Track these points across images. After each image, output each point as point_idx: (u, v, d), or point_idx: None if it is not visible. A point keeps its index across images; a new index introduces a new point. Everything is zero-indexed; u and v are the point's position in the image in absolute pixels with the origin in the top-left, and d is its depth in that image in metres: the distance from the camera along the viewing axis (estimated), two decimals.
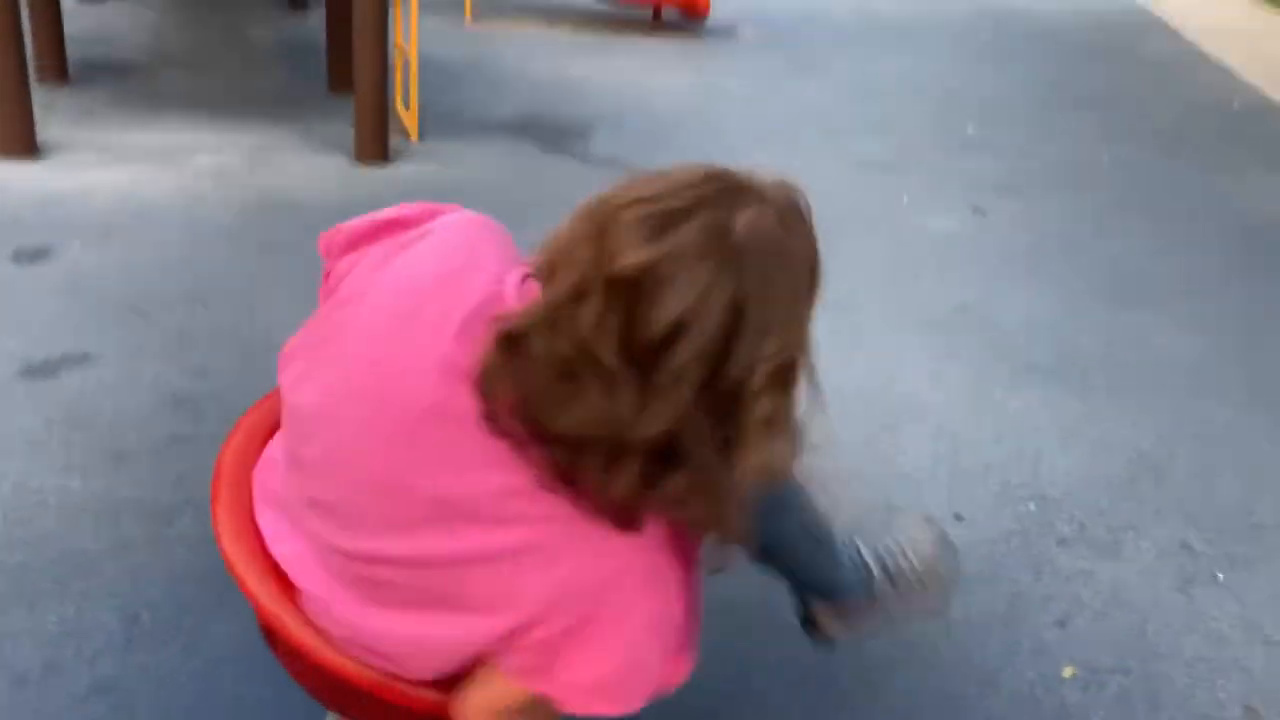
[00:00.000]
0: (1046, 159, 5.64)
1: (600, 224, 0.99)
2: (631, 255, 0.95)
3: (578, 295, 0.96)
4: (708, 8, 8.10)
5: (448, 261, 1.12)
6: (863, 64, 7.83)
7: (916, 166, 5.29)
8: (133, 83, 5.29)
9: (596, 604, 1.04)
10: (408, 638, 1.13)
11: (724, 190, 1.01)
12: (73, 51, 5.39)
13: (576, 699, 1.07)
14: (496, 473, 1.02)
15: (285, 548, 1.24)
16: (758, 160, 4.47)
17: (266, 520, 1.27)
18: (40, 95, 4.82)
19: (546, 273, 1.02)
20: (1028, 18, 10.64)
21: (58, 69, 5.17)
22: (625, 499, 1.00)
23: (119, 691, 1.80)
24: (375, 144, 4.46)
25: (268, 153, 4.36)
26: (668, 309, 0.94)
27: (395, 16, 5.26)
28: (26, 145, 4.15)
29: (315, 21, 6.47)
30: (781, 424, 1.01)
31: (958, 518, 2.51)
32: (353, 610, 1.15)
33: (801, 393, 1.06)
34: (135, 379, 2.70)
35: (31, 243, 3.40)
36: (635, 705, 1.09)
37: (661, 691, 1.11)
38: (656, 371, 0.95)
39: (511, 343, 0.99)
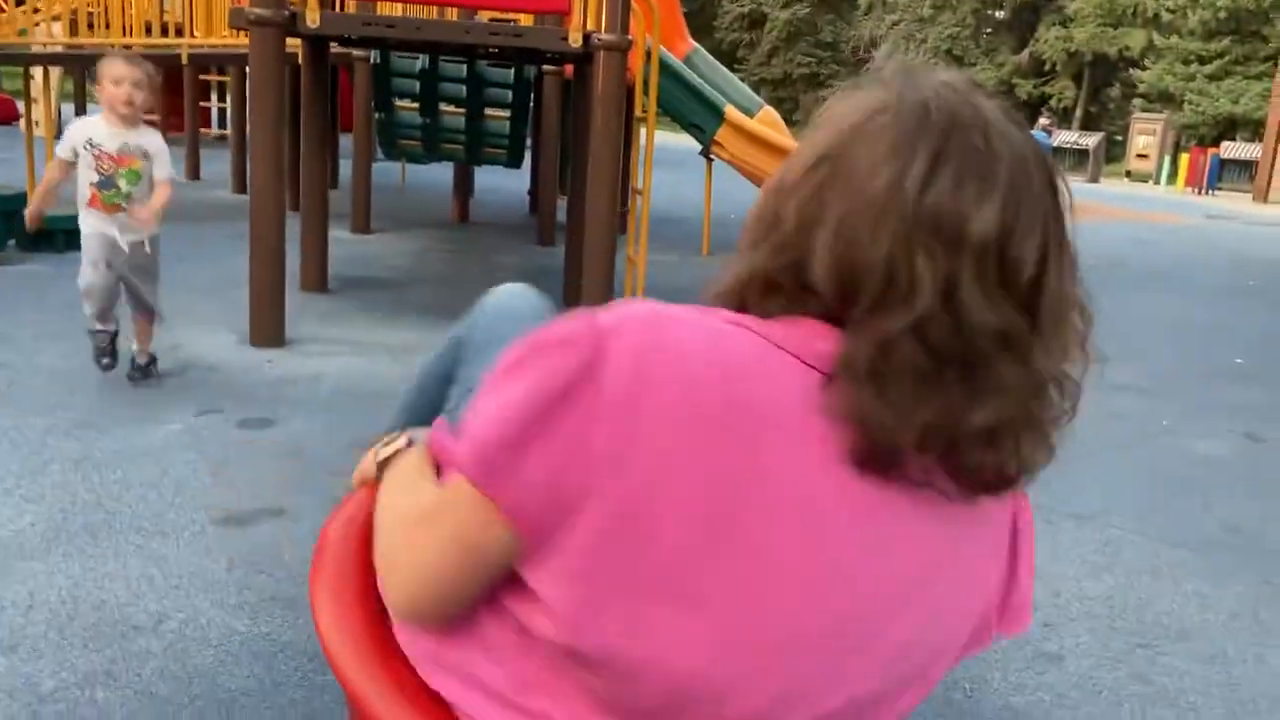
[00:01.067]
0: None
1: None
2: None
3: None
4: None
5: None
6: (1109, 302, 7.45)
7: (1177, 394, 4.83)
8: (382, 294, 5.63)
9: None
10: None
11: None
12: (338, 269, 5.83)
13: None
14: None
15: None
16: None
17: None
18: (299, 300, 5.20)
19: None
20: None
21: (319, 281, 5.58)
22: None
23: None
24: None
25: None
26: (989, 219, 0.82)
27: (629, 246, 5.43)
28: (276, 337, 4.41)
29: (561, 253, 6.80)
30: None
31: None
32: None
33: None
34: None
35: (258, 414, 3.51)
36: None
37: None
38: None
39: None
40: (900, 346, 0.79)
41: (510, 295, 1.50)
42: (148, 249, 3.67)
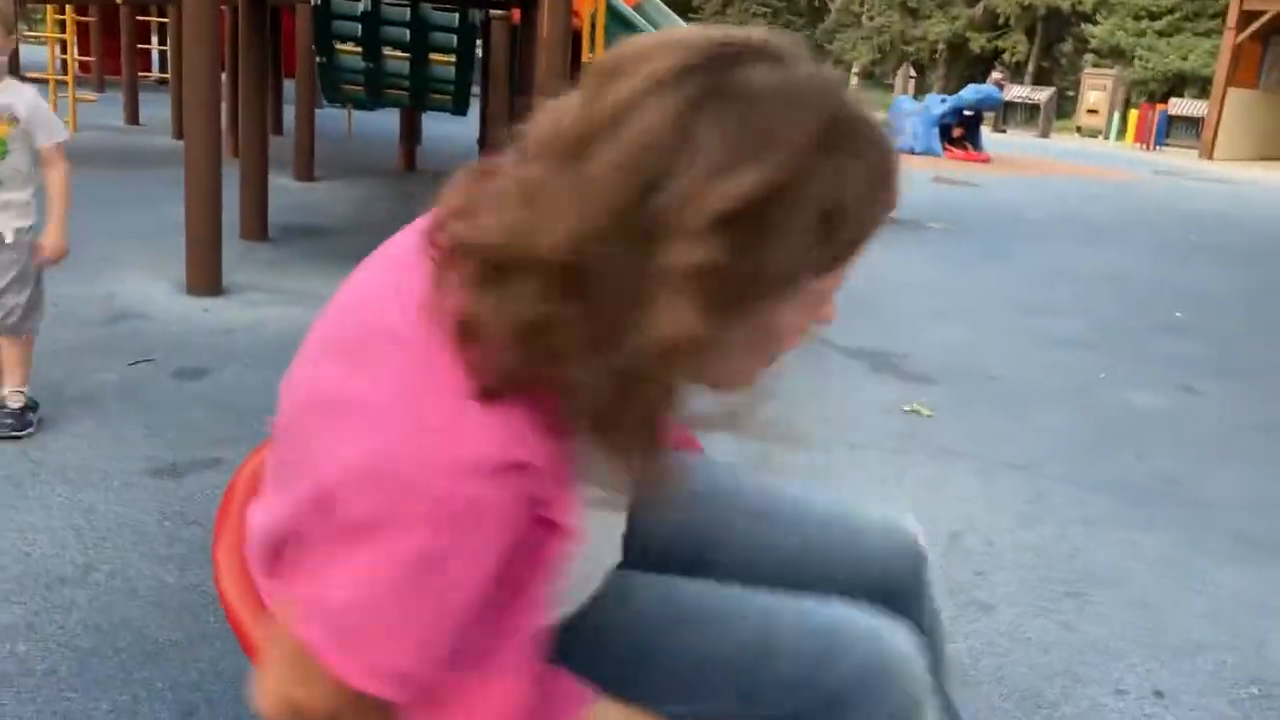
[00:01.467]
0: (1265, 346, 5.15)
1: None
2: (622, 45, 0.79)
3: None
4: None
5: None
6: (1057, 255, 7.55)
7: (1117, 346, 4.89)
8: (324, 243, 5.55)
9: (388, 498, 0.78)
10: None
11: (770, 49, 0.79)
12: (279, 217, 5.72)
13: (306, 614, 0.82)
14: (406, 285, 0.84)
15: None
16: (939, 330, 4.25)
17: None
18: (239, 248, 5.11)
19: None
20: (1241, 223, 10.15)
21: (259, 230, 5.48)
22: (513, 334, 0.76)
23: None
24: None
25: None
26: (611, 97, 0.75)
27: None
28: (213, 285, 4.33)
29: None
30: (710, 289, 0.74)
31: (1158, 694, 2.07)
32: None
33: (782, 313, 0.82)
34: None
35: (193, 364, 3.45)
36: (345, 666, 0.81)
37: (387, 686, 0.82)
38: (580, 172, 0.74)
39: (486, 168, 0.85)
40: None
41: None
42: (9, 240, 2.74)
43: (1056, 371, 4.35)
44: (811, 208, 0.76)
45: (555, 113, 0.79)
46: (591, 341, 0.76)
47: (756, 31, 0.80)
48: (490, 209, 0.79)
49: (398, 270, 0.88)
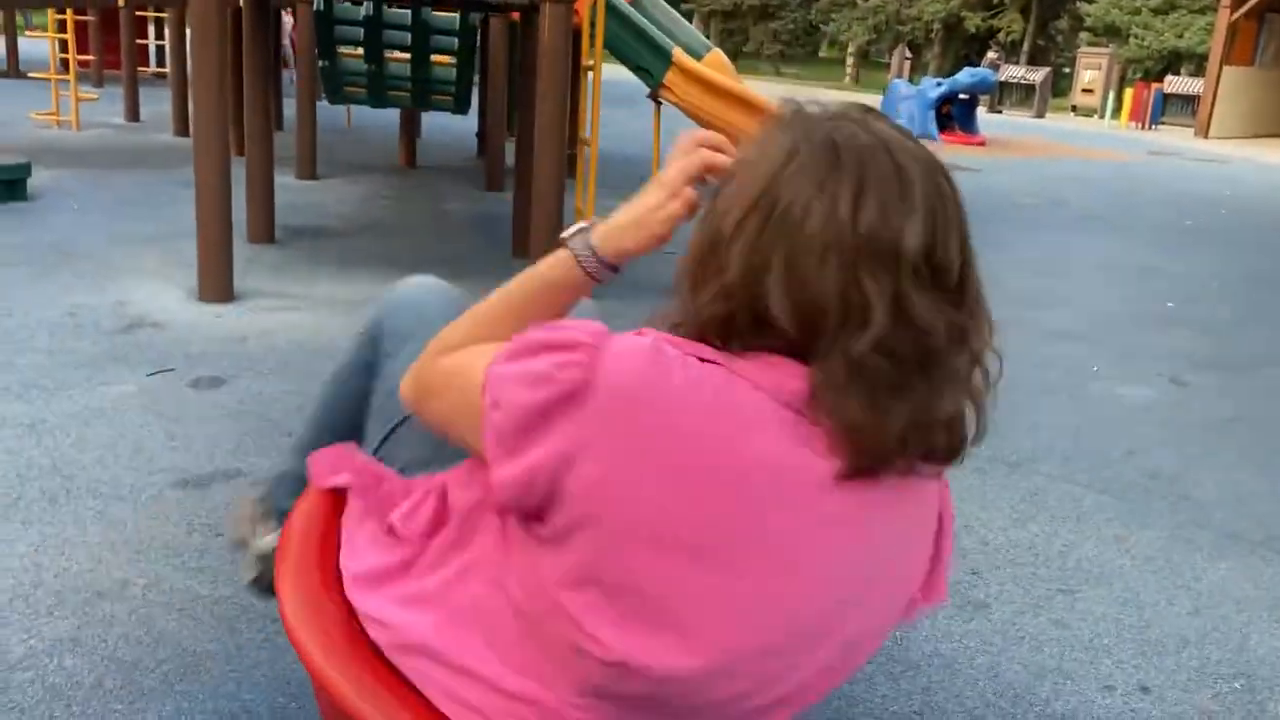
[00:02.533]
0: (1255, 337, 5.25)
1: None
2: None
3: None
4: None
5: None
6: (1051, 243, 7.63)
7: (1109, 338, 4.99)
8: (330, 245, 5.63)
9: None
10: None
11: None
12: (284, 218, 5.81)
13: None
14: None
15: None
16: None
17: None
18: (246, 251, 5.19)
19: None
20: (1235, 205, 10.22)
21: (265, 232, 5.56)
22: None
23: None
24: None
25: None
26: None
27: (576, 197, 5.47)
28: (224, 292, 4.42)
29: (509, 199, 6.81)
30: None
31: (1144, 690, 2.18)
32: None
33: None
34: None
35: (210, 373, 3.55)
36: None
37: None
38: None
39: None
40: (868, 363, 0.88)
41: (423, 290, 1.54)
42: None
43: (1050, 365, 4.45)
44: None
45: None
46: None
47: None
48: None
49: None
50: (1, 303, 4.15)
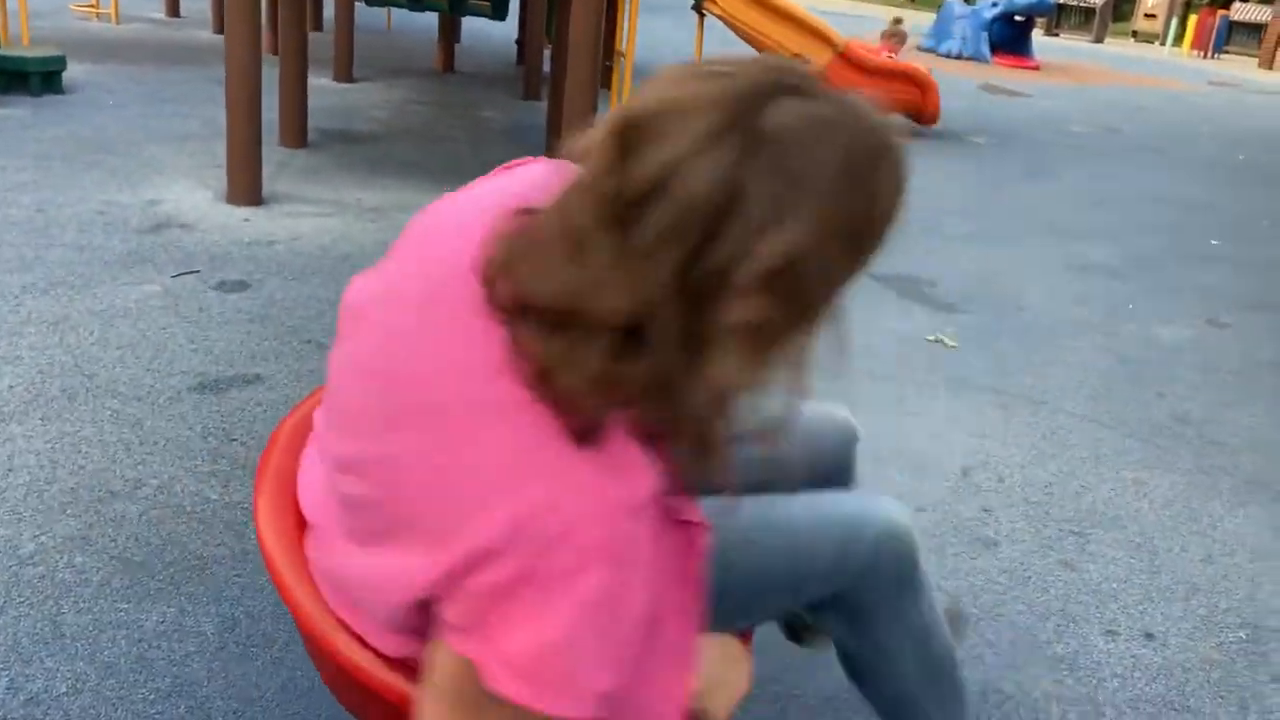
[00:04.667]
0: None
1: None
2: (643, 100, 0.82)
3: (587, 150, 0.84)
4: (936, 115, 7.93)
5: (511, 187, 1.01)
6: (1100, 174, 7.45)
7: (1149, 275, 4.88)
8: (362, 150, 5.59)
9: (549, 551, 0.84)
10: (363, 576, 0.98)
11: (789, 80, 0.83)
12: (317, 121, 5.76)
13: (498, 671, 0.85)
14: (478, 351, 0.87)
15: (306, 476, 1.15)
16: (970, 255, 4.23)
17: (305, 456, 1.18)
18: (278, 155, 5.17)
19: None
20: None
21: (298, 135, 5.52)
22: (587, 385, 0.82)
23: (200, 695, 1.73)
24: None
25: None
26: (653, 161, 0.79)
27: (611, 105, 5.37)
28: (253, 196, 4.41)
29: (544, 109, 6.72)
30: (761, 340, 0.82)
31: (1148, 636, 2.16)
32: (337, 545, 1.03)
33: (817, 338, 0.87)
34: (295, 402, 2.72)
35: (235, 276, 3.55)
36: (555, 705, 0.85)
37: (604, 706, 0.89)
38: (630, 236, 0.79)
39: (524, 213, 0.88)
40: None
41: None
42: None
43: (1086, 301, 4.37)
44: (845, 236, 0.83)
45: (589, 162, 0.84)
46: (656, 390, 0.83)
47: (769, 62, 0.85)
48: (539, 261, 0.84)
49: (438, 335, 0.92)
50: (34, 195, 4.17)
